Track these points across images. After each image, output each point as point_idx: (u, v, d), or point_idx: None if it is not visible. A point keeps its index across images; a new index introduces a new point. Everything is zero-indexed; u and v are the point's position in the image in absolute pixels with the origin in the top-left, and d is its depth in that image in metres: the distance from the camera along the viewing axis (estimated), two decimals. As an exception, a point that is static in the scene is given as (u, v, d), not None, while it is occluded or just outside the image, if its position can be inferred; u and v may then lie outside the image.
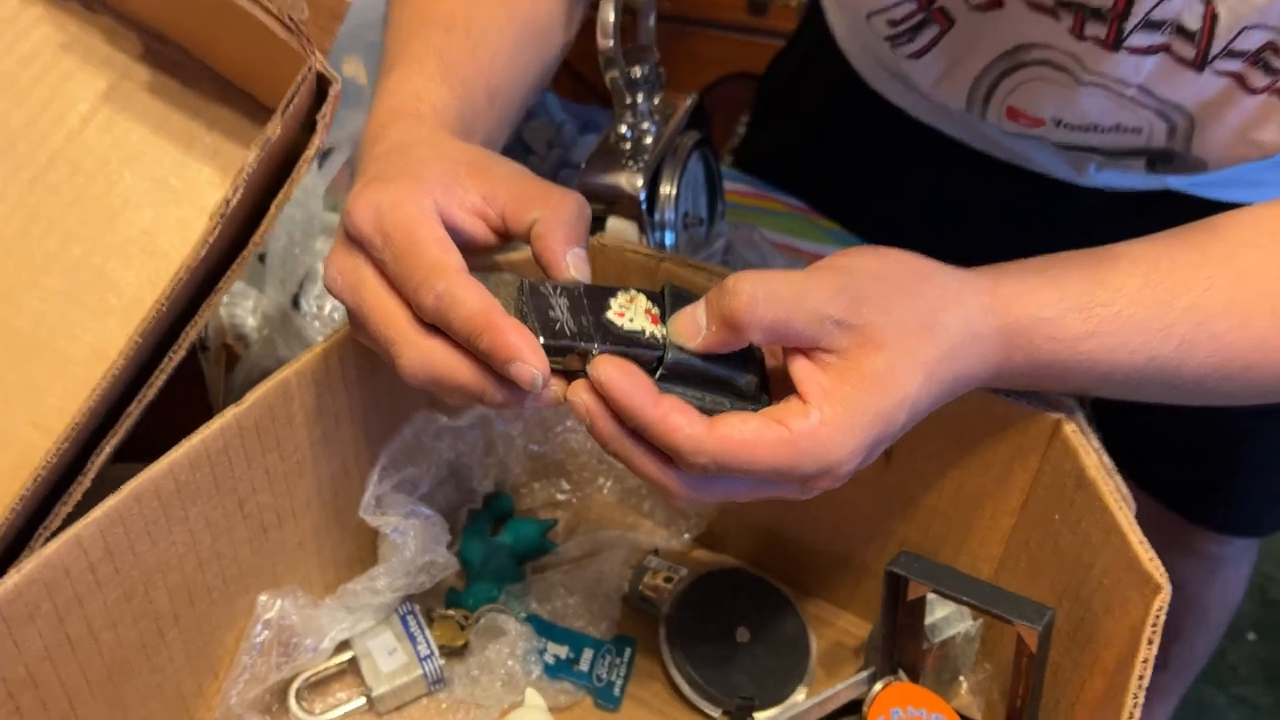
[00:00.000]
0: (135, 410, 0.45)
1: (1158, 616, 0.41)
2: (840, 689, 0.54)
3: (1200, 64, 0.52)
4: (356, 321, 0.45)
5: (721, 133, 1.29)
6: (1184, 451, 0.88)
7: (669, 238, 0.70)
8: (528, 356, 0.40)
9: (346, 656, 0.56)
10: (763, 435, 0.39)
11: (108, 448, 0.44)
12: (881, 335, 0.40)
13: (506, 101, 0.56)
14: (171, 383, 0.52)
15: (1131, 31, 0.52)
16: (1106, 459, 0.48)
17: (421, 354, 0.42)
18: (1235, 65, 0.51)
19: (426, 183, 0.44)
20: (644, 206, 0.68)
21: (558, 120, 0.90)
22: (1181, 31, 0.51)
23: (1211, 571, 1.00)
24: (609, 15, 0.64)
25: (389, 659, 0.56)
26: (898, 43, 0.64)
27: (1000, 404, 0.50)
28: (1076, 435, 0.48)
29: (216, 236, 0.44)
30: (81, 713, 0.45)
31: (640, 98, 0.69)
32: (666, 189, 0.69)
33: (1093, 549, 0.47)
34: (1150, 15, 0.50)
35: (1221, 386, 0.47)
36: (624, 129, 0.69)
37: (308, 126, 0.48)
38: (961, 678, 0.57)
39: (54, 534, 0.43)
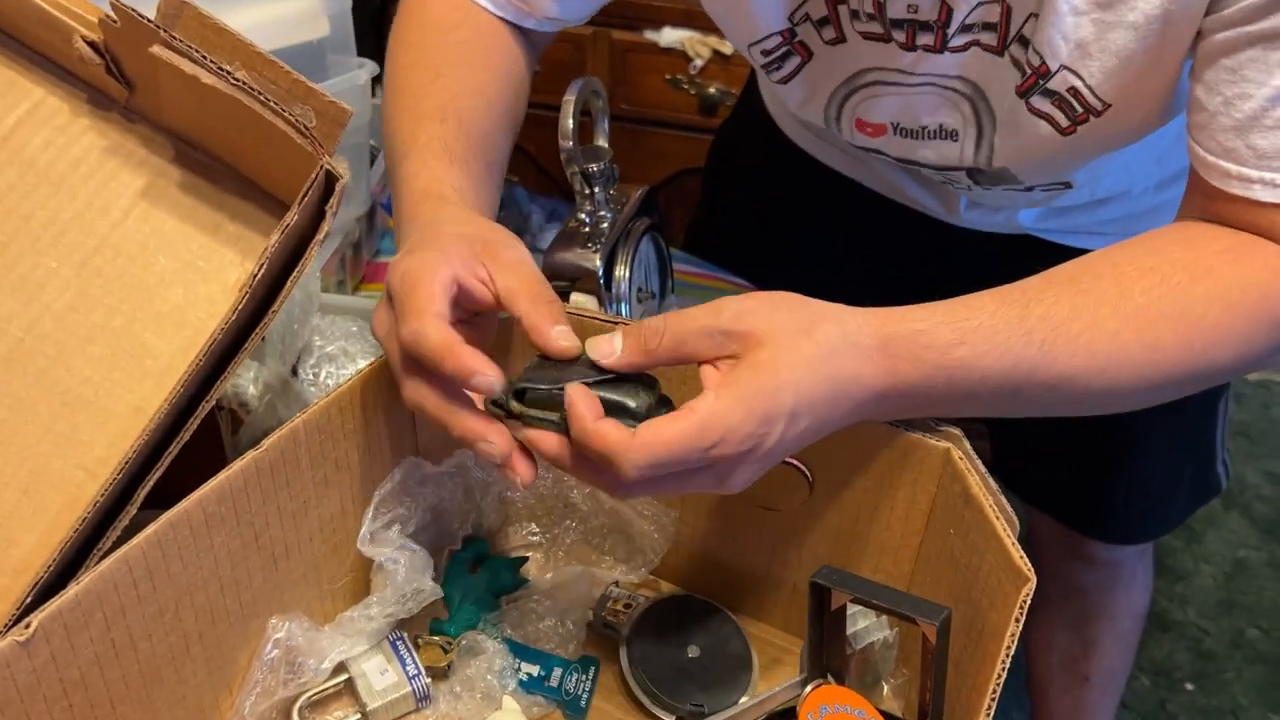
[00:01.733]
0: (169, 455, 0.53)
1: (1024, 601, 0.50)
2: (775, 692, 0.62)
3: (1001, 49, 0.65)
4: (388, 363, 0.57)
5: (679, 223, 1.41)
6: (1069, 467, 1.00)
7: (624, 309, 0.79)
8: (484, 369, 0.50)
9: (343, 678, 0.64)
10: (674, 423, 0.49)
11: (148, 485, 0.53)
12: (763, 335, 0.50)
13: (500, 165, 0.70)
14: (193, 439, 0.61)
15: (953, 35, 0.65)
16: (991, 480, 0.58)
17: (408, 387, 0.54)
18: (1021, 53, 0.64)
19: (448, 254, 0.55)
20: (601, 282, 0.78)
21: (525, 210, 1.01)
22: (987, 27, 0.64)
23: (1111, 579, 1.09)
24: (568, 122, 0.75)
25: (381, 678, 0.63)
26: (769, 70, 0.76)
27: (901, 437, 0.60)
28: (963, 460, 0.58)
29: (243, 306, 0.53)
30: (121, 713, 0.53)
31: (597, 189, 0.79)
32: (621, 268, 0.80)
33: (979, 555, 0.56)
34: (966, 20, 0.64)
35: (1091, 387, 0.54)
36: (583, 216, 0.79)
37: (317, 215, 0.58)
38: (883, 682, 0.66)
39: (104, 556, 0.51)
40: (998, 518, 0.55)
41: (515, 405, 0.52)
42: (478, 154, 0.67)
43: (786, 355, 0.50)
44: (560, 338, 0.53)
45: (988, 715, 0.49)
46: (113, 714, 0.52)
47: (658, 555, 0.72)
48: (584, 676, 0.66)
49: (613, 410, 0.51)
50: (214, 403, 0.56)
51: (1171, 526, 1.09)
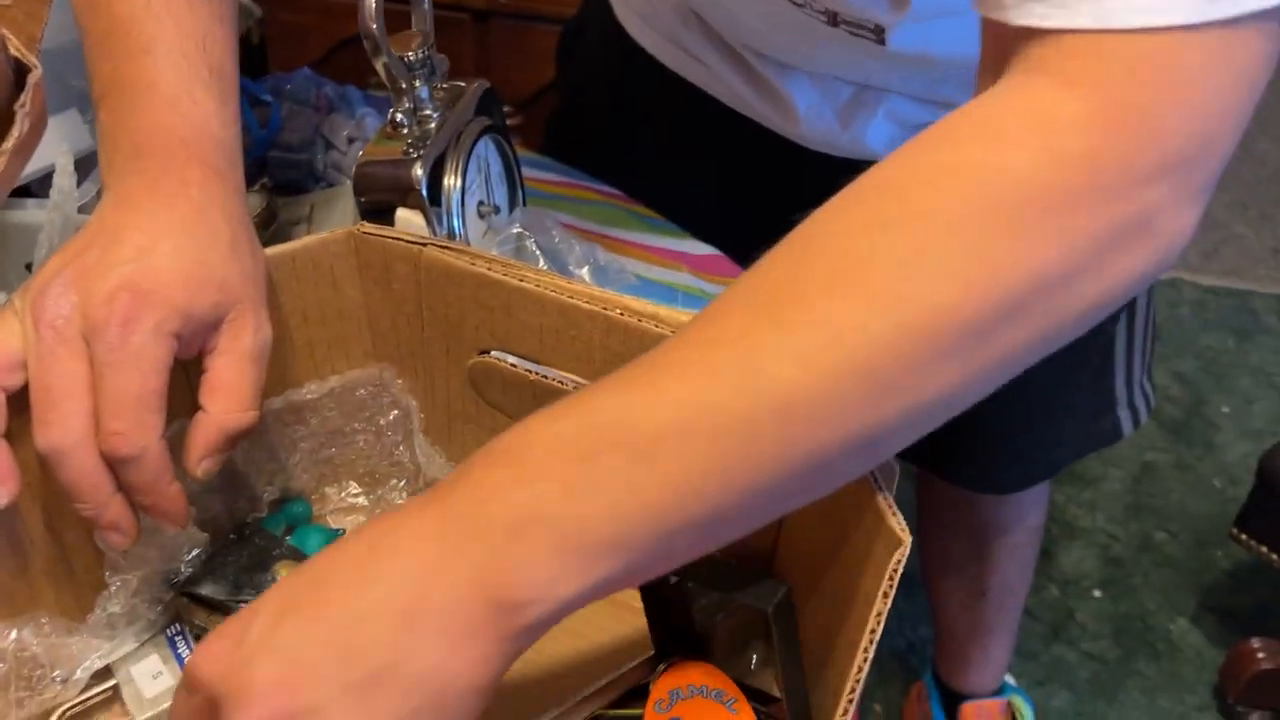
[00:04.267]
0: None
1: (896, 566, 0.41)
2: (623, 672, 0.53)
3: None
4: None
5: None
6: None
7: (457, 226, 0.68)
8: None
9: (109, 685, 0.53)
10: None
11: None
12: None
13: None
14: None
15: None
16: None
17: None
18: None
19: (191, 293, 0.47)
20: (426, 196, 0.66)
21: (359, 113, 0.87)
22: None
23: (1004, 498, 1.02)
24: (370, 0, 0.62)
25: (154, 683, 0.53)
26: None
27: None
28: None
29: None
30: None
31: (418, 83, 0.67)
32: (451, 178, 0.68)
33: (854, 514, 0.47)
34: None
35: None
36: (400, 117, 0.67)
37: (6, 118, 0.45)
38: (753, 652, 0.57)
39: None
40: (871, 473, 0.45)
41: None
42: (227, 80, 0.53)
43: None
44: (201, 471, 0.48)
45: (857, 680, 0.41)
46: None
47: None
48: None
49: None
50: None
51: (1047, 477, 1.02)
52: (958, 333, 0.36)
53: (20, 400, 0.46)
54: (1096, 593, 1.54)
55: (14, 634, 0.49)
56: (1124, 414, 0.92)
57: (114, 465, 0.45)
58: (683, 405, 0.36)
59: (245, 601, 0.53)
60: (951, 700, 1.23)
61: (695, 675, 0.52)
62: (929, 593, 1.20)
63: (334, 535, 0.61)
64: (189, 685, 0.37)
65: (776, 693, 0.52)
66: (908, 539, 0.42)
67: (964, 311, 0.36)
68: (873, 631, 0.40)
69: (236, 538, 0.57)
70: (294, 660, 0.34)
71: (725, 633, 0.56)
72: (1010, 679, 1.27)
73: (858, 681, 0.41)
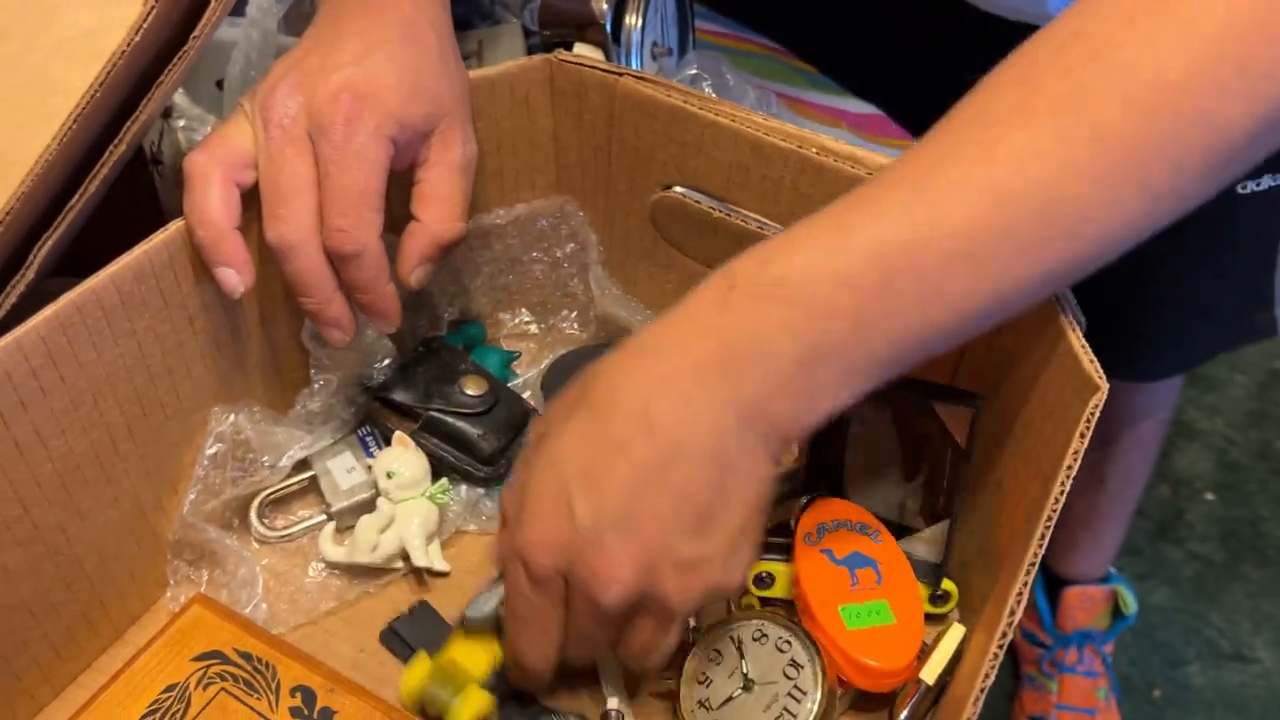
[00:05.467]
0: (78, 204, 0.44)
1: (1092, 413, 0.42)
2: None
3: None
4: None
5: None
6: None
7: (635, 63, 0.68)
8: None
9: (307, 475, 0.57)
10: None
11: (45, 247, 0.44)
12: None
13: None
14: (125, 199, 0.51)
15: None
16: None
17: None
18: None
19: (402, 100, 0.48)
20: (609, 32, 0.66)
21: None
22: None
23: (1133, 384, 1.00)
24: None
25: (348, 477, 0.57)
26: None
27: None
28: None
29: (151, 22, 0.42)
30: (36, 516, 0.46)
31: (605, -82, 0.66)
32: (632, 16, 0.68)
33: (1039, 359, 0.47)
34: None
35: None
36: (589, -48, 0.66)
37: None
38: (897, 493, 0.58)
39: (-4, 336, 0.42)
40: (1064, 312, 0.46)
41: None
42: None
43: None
44: (415, 279, 0.51)
45: (1040, 544, 0.42)
46: (25, 518, 0.45)
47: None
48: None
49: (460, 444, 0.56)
50: (125, 147, 0.46)
51: (1190, 367, 0.99)
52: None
53: (248, 198, 0.48)
54: (1209, 495, 1.52)
55: (231, 418, 0.53)
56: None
57: (336, 263, 0.48)
58: (958, 234, 0.38)
59: (434, 410, 0.56)
60: (1055, 585, 1.24)
61: (838, 510, 0.53)
62: (1046, 477, 1.19)
63: (511, 356, 0.64)
64: (535, 581, 0.41)
65: (922, 526, 0.54)
66: (1104, 384, 0.42)
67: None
68: (1062, 484, 0.41)
69: (424, 350, 0.60)
70: (636, 523, 0.39)
71: (870, 470, 0.58)
72: (1113, 571, 1.27)
73: (1048, 526, 0.41)
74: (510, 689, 0.49)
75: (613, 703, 0.50)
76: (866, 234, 0.38)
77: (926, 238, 0.38)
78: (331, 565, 0.55)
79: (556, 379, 0.63)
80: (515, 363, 0.64)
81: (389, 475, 0.54)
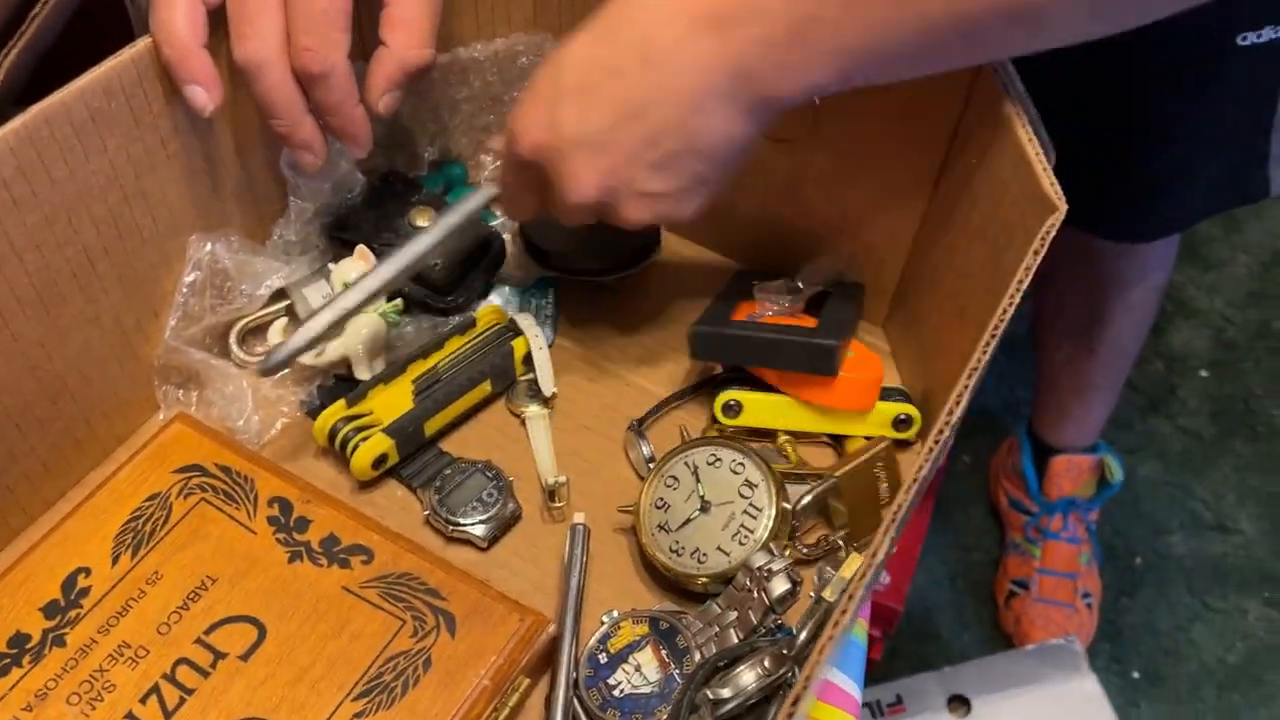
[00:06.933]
0: (42, 11, 0.44)
1: (1048, 232, 0.42)
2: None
3: None
4: None
5: None
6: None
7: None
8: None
9: (284, 304, 0.58)
10: None
11: (14, 51, 0.44)
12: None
13: None
14: (98, 32, 0.51)
15: None
16: (1031, 105, 0.48)
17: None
18: None
19: None
20: None
21: None
22: None
23: (1128, 247, 1.00)
24: None
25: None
26: None
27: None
28: (998, 75, 0.48)
29: None
30: (17, 329, 0.47)
31: None
32: None
33: (1003, 186, 0.48)
34: None
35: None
36: None
37: None
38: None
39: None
40: (1030, 140, 0.46)
41: None
42: None
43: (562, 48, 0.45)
44: (382, 105, 0.51)
45: (985, 350, 0.42)
46: (4, 329, 0.47)
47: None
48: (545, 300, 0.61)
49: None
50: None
51: (1182, 227, 0.96)
52: None
53: (219, 20, 0.48)
54: (1203, 372, 1.53)
55: (209, 246, 0.54)
56: (1275, 172, 0.87)
57: (305, 84, 0.48)
58: None
59: (382, 244, 0.57)
60: (1043, 454, 1.26)
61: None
62: (1037, 343, 1.19)
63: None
64: (517, 163, 0.46)
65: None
66: (1062, 205, 0.43)
67: None
68: (1010, 296, 0.42)
69: (381, 184, 0.60)
70: (608, 147, 0.43)
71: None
72: (1101, 441, 1.29)
73: (994, 334, 0.42)
74: (409, 438, 0.54)
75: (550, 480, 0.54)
76: None
77: None
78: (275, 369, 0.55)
79: (537, 221, 0.63)
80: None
81: (345, 285, 0.55)
